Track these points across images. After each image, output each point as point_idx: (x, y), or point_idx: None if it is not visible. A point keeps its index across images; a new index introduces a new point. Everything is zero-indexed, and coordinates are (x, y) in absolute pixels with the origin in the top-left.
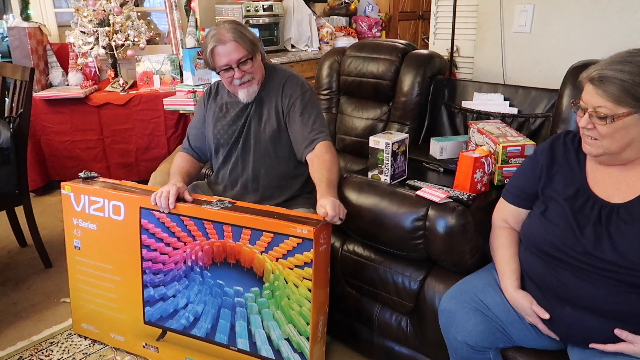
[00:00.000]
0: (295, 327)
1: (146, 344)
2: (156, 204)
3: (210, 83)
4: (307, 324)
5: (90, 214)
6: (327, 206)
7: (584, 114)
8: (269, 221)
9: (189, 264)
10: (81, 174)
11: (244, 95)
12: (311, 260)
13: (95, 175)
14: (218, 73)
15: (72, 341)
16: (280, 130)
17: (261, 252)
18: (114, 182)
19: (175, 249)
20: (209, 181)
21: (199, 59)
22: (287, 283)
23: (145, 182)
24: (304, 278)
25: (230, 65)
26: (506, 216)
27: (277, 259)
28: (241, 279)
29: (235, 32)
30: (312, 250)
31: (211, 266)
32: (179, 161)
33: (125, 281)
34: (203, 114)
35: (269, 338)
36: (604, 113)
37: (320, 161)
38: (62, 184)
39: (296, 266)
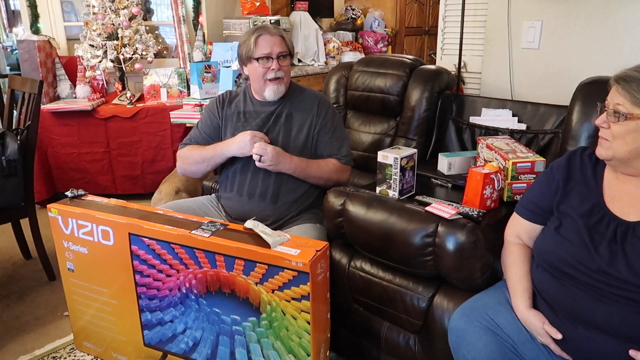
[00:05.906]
0: (295, 358)
1: None
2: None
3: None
4: (308, 355)
5: (80, 237)
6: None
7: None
8: (262, 252)
9: (184, 291)
10: (68, 193)
11: (271, 92)
12: (308, 293)
13: (83, 193)
14: (251, 61)
15: (75, 355)
16: (306, 147)
17: (256, 283)
18: (102, 200)
19: (168, 275)
20: (218, 196)
21: (206, 72)
22: (284, 315)
23: (151, 195)
24: (301, 311)
25: (271, 55)
26: (519, 232)
27: (273, 291)
28: (237, 308)
29: (280, 31)
30: (308, 283)
31: (206, 294)
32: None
33: (121, 305)
34: (216, 123)
35: None
36: (621, 111)
37: (321, 161)
38: (48, 206)
39: (293, 299)
